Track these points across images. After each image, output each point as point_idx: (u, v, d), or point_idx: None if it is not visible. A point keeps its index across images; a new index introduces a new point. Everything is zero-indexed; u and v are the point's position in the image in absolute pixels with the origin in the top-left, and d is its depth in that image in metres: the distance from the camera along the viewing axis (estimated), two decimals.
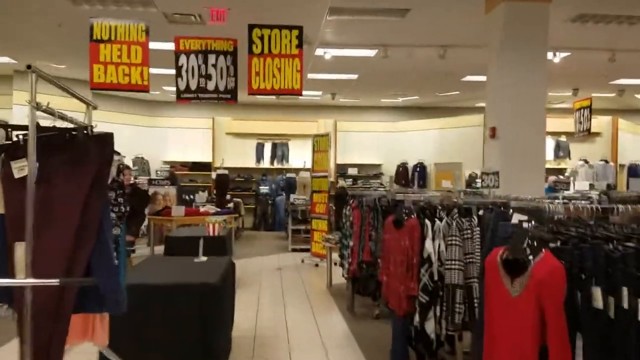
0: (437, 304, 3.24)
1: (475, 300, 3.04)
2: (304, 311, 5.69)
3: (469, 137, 13.99)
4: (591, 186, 8.39)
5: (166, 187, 9.78)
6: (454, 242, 3.18)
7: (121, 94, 13.48)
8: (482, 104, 15.10)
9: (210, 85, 5.47)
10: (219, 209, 9.63)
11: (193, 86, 5.42)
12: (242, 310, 5.58)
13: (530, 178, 5.60)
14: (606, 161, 13.46)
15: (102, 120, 13.28)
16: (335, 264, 6.55)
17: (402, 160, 14.84)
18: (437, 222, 3.37)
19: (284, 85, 5.42)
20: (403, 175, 14.65)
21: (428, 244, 3.33)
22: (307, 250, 9.82)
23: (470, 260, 3.16)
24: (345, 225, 5.15)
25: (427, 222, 3.39)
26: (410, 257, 3.39)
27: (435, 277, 3.26)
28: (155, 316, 3.51)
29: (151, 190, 9.64)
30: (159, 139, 14.75)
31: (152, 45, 5.63)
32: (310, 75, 10.99)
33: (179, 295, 3.57)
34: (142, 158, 14.15)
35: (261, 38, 5.39)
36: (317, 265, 8.29)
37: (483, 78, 11.78)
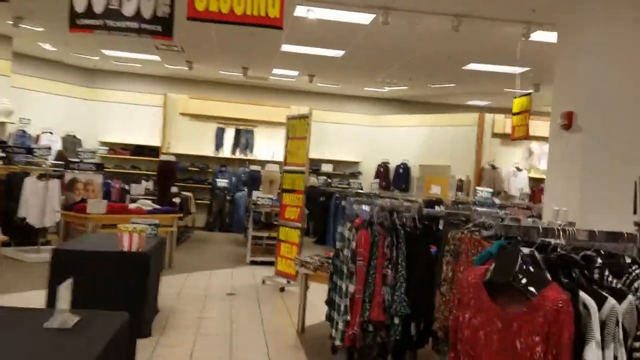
0: None
1: None
2: None
3: (460, 138, 12.25)
4: None
5: (89, 173, 7.50)
6: None
7: (53, 57, 11.03)
8: (475, 102, 13.38)
9: (129, 8, 3.31)
10: (157, 206, 7.43)
11: (99, 7, 3.26)
12: None
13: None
14: None
15: (28, 88, 10.85)
16: (303, 296, 4.52)
17: (384, 159, 12.96)
18: (611, 302, 1.39)
19: (253, 7, 3.25)
20: (383, 175, 12.78)
21: (591, 354, 1.35)
22: (270, 264, 7.75)
23: None
24: (341, 256, 3.10)
25: (586, 299, 1.40)
26: None
27: None
28: None
29: (69, 177, 7.34)
30: (97, 115, 12.32)
31: None
32: (285, 47, 8.89)
33: None
34: (74, 136, 11.73)
35: None
36: (282, 289, 6.24)
37: (488, 68, 10.11)
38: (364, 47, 8.56)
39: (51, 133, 11.15)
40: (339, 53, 9.09)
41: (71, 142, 11.44)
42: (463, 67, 9.63)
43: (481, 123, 12.00)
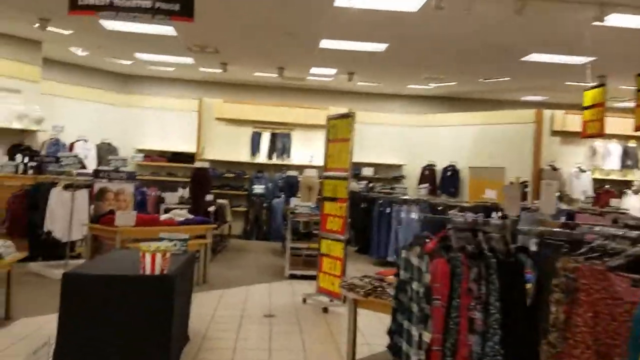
0: None
1: None
2: None
3: (515, 137, 11.27)
4: None
5: (120, 181, 7.05)
6: None
7: (85, 62, 10.78)
8: (530, 98, 12.36)
9: None
10: (190, 217, 6.90)
11: None
12: None
13: None
14: None
15: (59, 95, 10.62)
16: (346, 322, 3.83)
17: (429, 162, 12.11)
18: None
19: None
20: (429, 179, 11.93)
21: None
22: (311, 278, 7.10)
23: None
24: (408, 291, 2.35)
25: None
26: None
27: None
28: None
29: (98, 186, 6.91)
30: (132, 121, 12.02)
31: None
32: (324, 43, 8.24)
33: None
34: (109, 144, 11.44)
35: None
36: (326, 310, 5.56)
37: (550, 59, 8.93)
38: (410, 38, 7.81)
39: (85, 141, 10.88)
40: (381, 47, 8.36)
41: (106, 150, 11.14)
42: (522, 58, 8.72)
43: (539, 120, 10.99)
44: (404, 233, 7.55)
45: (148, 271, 3.53)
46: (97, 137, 11.26)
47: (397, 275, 2.59)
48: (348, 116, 5.77)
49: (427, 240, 2.40)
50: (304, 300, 5.94)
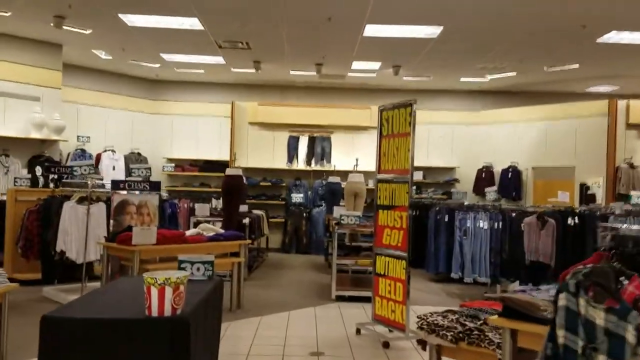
0: None
1: None
2: None
3: (585, 132, 9.91)
4: None
5: (143, 193, 6.19)
6: None
7: (109, 67, 10.14)
8: (599, 89, 10.93)
9: None
10: (221, 231, 5.98)
11: None
12: None
13: None
14: None
15: (87, 103, 9.97)
16: None
17: (485, 163, 10.87)
18: None
19: None
20: (486, 182, 10.70)
21: None
22: (361, 300, 6.06)
23: None
24: (566, 342, 1.31)
25: None
26: None
27: None
28: None
29: (117, 199, 6.07)
30: (160, 129, 11.33)
31: None
32: (368, 30, 7.24)
33: None
34: (138, 154, 10.75)
35: None
36: (387, 345, 4.47)
37: (632, 38, 7.29)
38: (468, 19, 6.71)
39: (113, 151, 10.22)
40: (434, 31, 7.28)
41: (135, 161, 10.44)
42: (598, 39, 7.47)
43: (612, 111, 9.61)
44: (470, 246, 6.39)
45: (155, 311, 2.56)
46: (124, 147, 10.60)
47: (551, 337, 1.50)
48: (407, 105, 4.72)
49: (622, 278, 1.32)
50: (358, 331, 4.88)
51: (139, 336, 2.50)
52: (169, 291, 2.59)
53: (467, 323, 2.89)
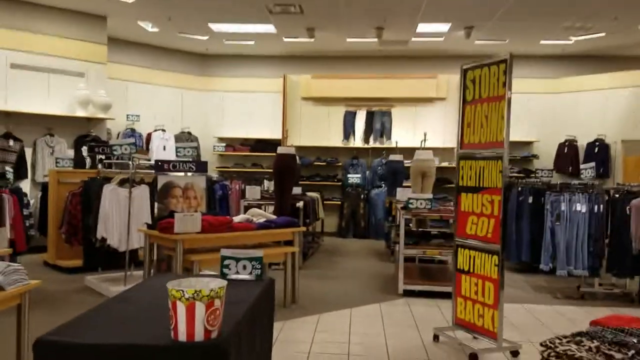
0: None
1: None
2: None
3: None
4: None
5: (188, 175, 5.62)
6: None
7: (156, 41, 9.66)
8: None
9: None
10: (273, 216, 5.31)
11: None
12: None
13: None
14: None
15: (133, 80, 9.45)
16: None
17: (568, 136, 9.64)
18: None
19: None
20: (570, 158, 9.51)
21: None
22: (432, 296, 5.26)
23: None
24: None
25: None
26: None
27: None
28: None
29: (162, 181, 5.53)
30: (211, 107, 10.81)
31: None
32: None
33: None
34: (189, 133, 10.30)
35: None
36: (475, 357, 3.66)
37: None
38: None
39: (163, 130, 9.81)
40: None
41: (186, 140, 9.99)
42: None
43: None
44: (565, 233, 5.40)
45: (182, 335, 1.89)
46: (175, 127, 10.18)
47: None
48: (500, 61, 3.80)
49: None
50: (436, 337, 4.09)
51: None
52: (200, 308, 1.90)
53: (614, 354, 2.04)
